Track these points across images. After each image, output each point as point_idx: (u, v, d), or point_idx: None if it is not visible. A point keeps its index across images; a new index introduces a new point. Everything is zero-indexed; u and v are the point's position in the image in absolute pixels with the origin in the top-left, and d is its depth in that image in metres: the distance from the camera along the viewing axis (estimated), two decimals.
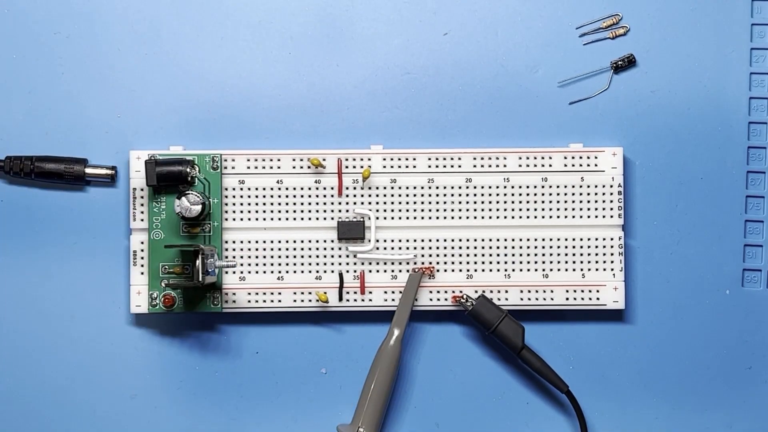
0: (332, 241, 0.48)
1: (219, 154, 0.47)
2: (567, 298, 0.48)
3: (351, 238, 0.48)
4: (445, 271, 0.48)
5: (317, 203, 0.48)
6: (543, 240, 0.48)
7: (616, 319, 0.49)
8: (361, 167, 0.48)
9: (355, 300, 0.48)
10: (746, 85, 0.49)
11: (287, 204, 0.48)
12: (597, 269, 0.48)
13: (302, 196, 0.48)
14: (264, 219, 0.48)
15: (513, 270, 0.48)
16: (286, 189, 0.48)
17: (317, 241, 0.48)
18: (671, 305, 0.49)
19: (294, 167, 0.48)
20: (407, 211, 0.48)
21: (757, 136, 0.49)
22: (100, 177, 0.48)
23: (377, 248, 0.48)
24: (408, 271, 0.48)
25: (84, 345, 0.49)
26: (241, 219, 0.48)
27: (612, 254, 0.48)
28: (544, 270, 0.48)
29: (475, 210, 0.48)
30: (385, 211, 0.48)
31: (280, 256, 0.48)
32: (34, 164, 0.48)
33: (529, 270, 0.48)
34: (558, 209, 0.48)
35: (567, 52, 0.49)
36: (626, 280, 0.48)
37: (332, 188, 0.48)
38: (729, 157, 0.49)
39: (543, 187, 0.48)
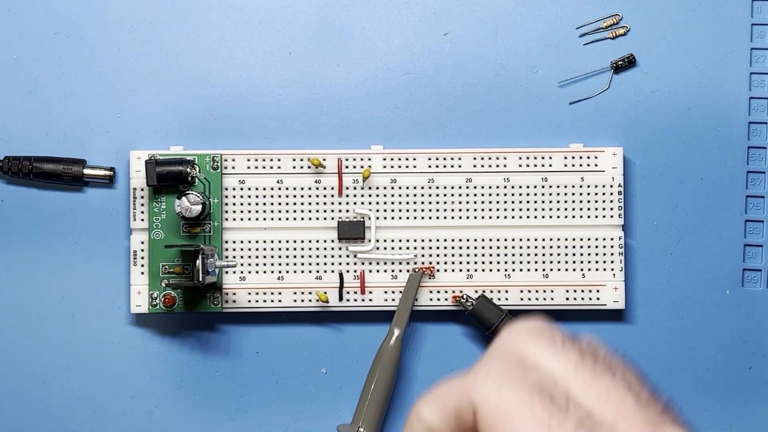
0: (332, 241, 0.48)
1: (219, 154, 0.47)
2: (567, 298, 0.48)
3: (351, 238, 0.48)
4: (445, 271, 0.48)
5: (317, 203, 0.48)
6: (543, 240, 0.48)
7: (616, 319, 0.49)
8: (361, 167, 0.48)
9: (355, 300, 0.48)
10: (746, 85, 0.49)
11: (287, 204, 0.48)
12: (597, 269, 0.48)
13: (302, 196, 0.48)
14: (264, 219, 0.48)
15: (513, 270, 0.48)
16: (286, 189, 0.48)
17: (317, 241, 0.48)
18: (671, 305, 0.49)
19: (294, 167, 0.48)
20: (407, 211, 0.48)
21: (757, 136, 0.49)
22: (98, 178, 0.48)
23: (377, 248, 0.48)
24: (408, 271, 0.48)
25: (84, 345, 0.49)
26: (241, 219, 0.48)
27: (612, 254, 0.48)
28: (544, 270, 0.48)
29: (475, 210, 0.48)
30: (385, 211, 0.48)
31: (280, 256, 0.48)
32: (32, 164, 0.48)
33: (529, 270, 0.48)
34: (558, 209, 0.48)
35: (567, 52, 0.49)
36: (626, 280, 0.48)
37: (332, 188, 0.48)
38: (729, 157, 0.49)
39: (543, 187, 0.48)
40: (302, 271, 0.48)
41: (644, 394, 0.28)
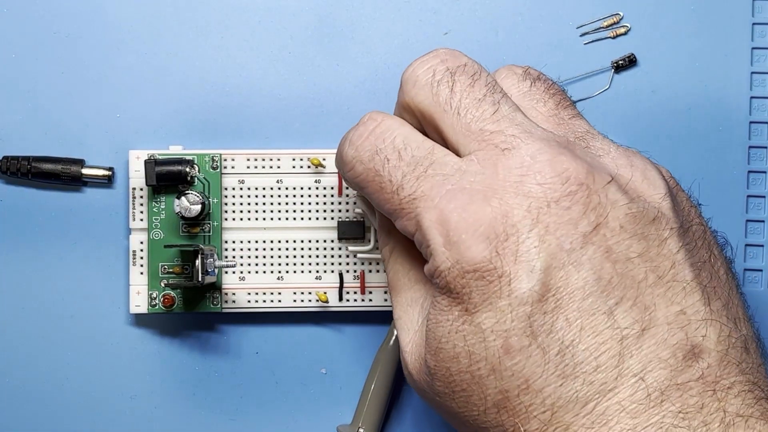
0: (332, 241, 0.48)
1: (219, 153, 0.47)
2: None
3: (351, 238, 0.48)
4: None
5: (317, 203, 0.48)
6: None
7: None
8: None
9: (355, 300, 0.48)
10: (747, 85, 0.49)
11: (287, 204, 0.48)
12: None
13: (302, 196, 0.48)
14: (264, 219, 0.48)
15: None
16: (286, 189, 0.48)
17: (317, 241, 0.48)
18: None
19: (294, 167, 0.48)
20: None
21: (758, 136, 0.49)
22: (97, 178, 0.48)
23: (377, 248, 0.48)
24: None
25: (83, 345, 0.48)
26: (241, 219, 0.48)
27: None
28: None
29: None
30: None
31: (280, 256, 0.48)
32: (31, 164, 0.48)
33: None
34: None
35: (568, 52, 0.49)
36: None
37: (332, 188, 0.48)
38: (730, 157, 0.49)
39: None
40: (302, 271, 0.48)
41: (509, 119, 0.36)
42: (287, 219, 0.48)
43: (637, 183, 0.36)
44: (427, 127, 0.38)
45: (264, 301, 0.48)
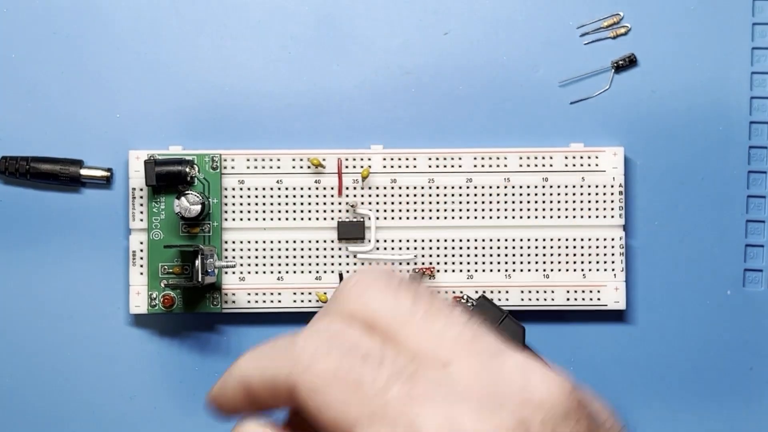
0: (332, 241, 0.48)
1: (219, 154, 0.47)
2: (568, 299, 0.48)
3: (351, 238, 0.48)
4: (445, 271, 0.48)
5: (317, 203, 0.48)
6: (543, 240, 0.48)
7: (616, 320, 0.49)
8: (361, 167, 0.48)
9: None
10: (747, 85, 0.49)
11: (287, 204, 0.48)
12: (598, 269, 0.48)
13: (302, 196, 0.48)
14: (264, 219, 0.48)
15: (513, 270, 0.48)
16: (286, 189, 0.48)
17: (317, 241, 0.48)
18: (672, 305, 0.49)
19: (294, 167, 0.48)
20: (407, 211, 0.48)
21: (759, 136, 0.49)
22: (95, 179, 0.48)
23: (377, 248, 0.48)
24: (408, 271, 0.48)
25: (83, 346, 0.48)
26: (241, 219, 0.48)
27: (613, 254, 0.48)
28: (544, 270, 0.48)
29: (475, 210, 0.48)
30: (385, 211, 0.48)
31: (280, 257, 0.48)
32: (29, 165, 0.47)
33: (529, 270, 0.48)
34: (559, 209, 0.48)
35: (568, 52, 0.49)
36: (627, 281, 0.48)
37: (332, 188, 0.48)
38: (730, 157, 0.49)
39: (544, 187, 0.48)
40: (302, 272, 0.48)
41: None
42: (287, 219, 0.48)
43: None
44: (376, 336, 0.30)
45: (264, 302, 0.48)
